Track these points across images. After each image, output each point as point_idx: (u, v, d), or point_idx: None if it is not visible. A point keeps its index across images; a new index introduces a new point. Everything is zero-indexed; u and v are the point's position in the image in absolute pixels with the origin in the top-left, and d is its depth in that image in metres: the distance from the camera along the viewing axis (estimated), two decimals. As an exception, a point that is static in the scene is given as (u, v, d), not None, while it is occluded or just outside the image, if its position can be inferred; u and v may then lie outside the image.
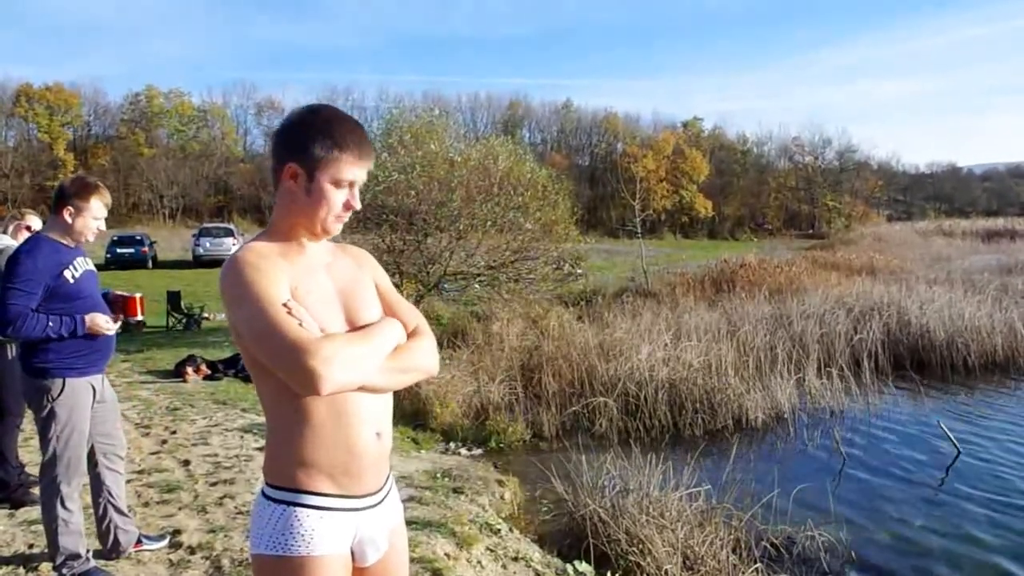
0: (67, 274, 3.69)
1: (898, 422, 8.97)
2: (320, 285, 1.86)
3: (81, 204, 3.74)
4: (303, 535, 1.76)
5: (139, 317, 3.85)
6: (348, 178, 1.85)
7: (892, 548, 5.60)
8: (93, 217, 3.75)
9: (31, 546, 4.31)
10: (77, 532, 3.79)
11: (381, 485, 1.93)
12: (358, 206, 1.89)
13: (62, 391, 3.70)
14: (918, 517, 6.14)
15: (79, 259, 3.80)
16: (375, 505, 1.90)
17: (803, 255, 27.49)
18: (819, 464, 7.52)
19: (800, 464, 7.54)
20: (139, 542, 4.17)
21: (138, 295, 3.85)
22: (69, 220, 3.74)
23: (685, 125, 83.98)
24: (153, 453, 6.41)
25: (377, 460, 1.88)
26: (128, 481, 5.46)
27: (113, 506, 4.05)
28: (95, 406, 3.89)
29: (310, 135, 1.84)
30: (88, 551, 3.88)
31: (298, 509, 1.78)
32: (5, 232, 5.17)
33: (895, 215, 75.57)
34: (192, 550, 4.33)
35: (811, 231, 69.47)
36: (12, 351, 4.86)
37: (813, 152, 79.41)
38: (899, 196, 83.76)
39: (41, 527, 3.91)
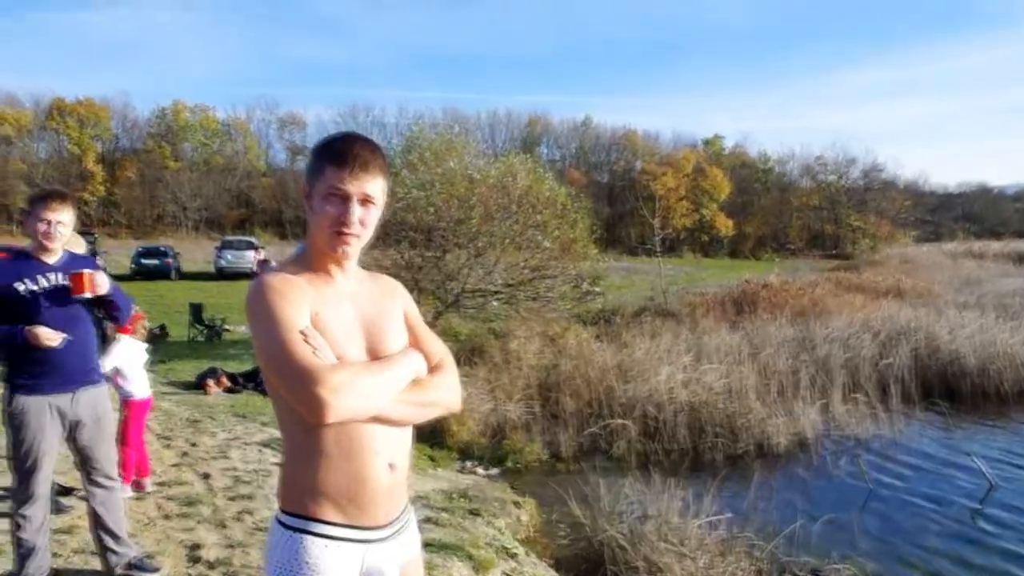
0: (19, 286, 3.63)
1: (927, 452, 8.79)
2: (343, 314, 1.85)
3: (31, 211, 3.73)
4: (309, 563, 1.76)
5: (85, 294, 3.64)
6: (338, 189, 1.79)
7: (919, 583, 5.48)
8: (38, 219, 3.66)
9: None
10: (32, 551, 3.73)
11: (394, 518, 1.90)
12: (351, 221, 1.80)
13: (10, 407, 3.67)
14: (948, 551, 6.00)
15: (50, 274, 3.70)
16: (385, 538, 1.87)
17: (827, 276, 27.23)
18: (844, 493, 7.39)
19: (824, 492, 7.44)
20: (131, 565, 4.05)
21: (87, 271, 3.66)
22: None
23: (706, 143, 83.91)
24: (174, 465, 6.45)
25: (389, 492, 1.86)
26: (149, 493, 5.51)
27: (101, 527, 3.98)
28: (75, 427, 3.80)
29: (313, 156, 1.87)
30: (45, 570, 3.82)
31: (306, 537, 1.77)
32: None
33: (923, 236, 74.33)
34: (211, 565, 4.34)
35: (835, 251, 68.64)
36: None
37: (837, 171, 78.73)
38: (927, 216, 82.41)
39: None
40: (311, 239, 1.89)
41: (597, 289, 15.85)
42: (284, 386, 1.70)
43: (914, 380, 11.13)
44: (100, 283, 3.71)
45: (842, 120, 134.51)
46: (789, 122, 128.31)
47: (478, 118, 76.57)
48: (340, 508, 1.79)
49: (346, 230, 1.81)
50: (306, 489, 1.79)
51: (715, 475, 6.84)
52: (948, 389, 11.34)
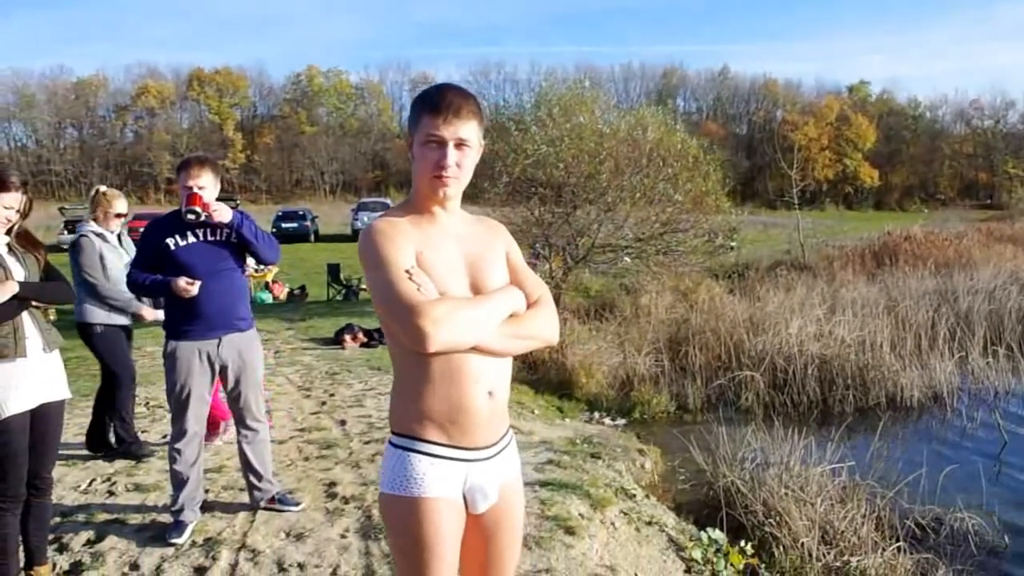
0: (169, 241, 4.00)
1: (1073, 407, 8.26)
2: (447, 252, 2.01)
3: (177, 177, 4.09)
4: (416, 478, 1.95)
5: (196, 208, 3.89)
6: (433, 134, 1.94)
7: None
8: (182, 185, 3.99)
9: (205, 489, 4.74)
10: (185, 483, 4.10)
11: (494, 441, 2.06)
12: (448, 164, 1.94)
13: (166, 350, 4.09)
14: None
15: (197, 231, 4.04)
16: (487, 459, 2.04)
17: (977, 227, 25.71)
18: (977, 446, 7.12)
19: (955, 445, 7.19)
20: (274, 500, 4.44)
21: (198, 192, 3.94)
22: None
23: (850, 90, 79.88)
24: (313, 413, 6.89)
25: (489, 417, 2.02)
26: (291, 438, 5.97)
27: (248, 466, 4.36)
28: (223, 371, 4.16)
29: (412, 108, 2.03)
30: (197, 502, 4.21)
31: (412, 455, 1.97)
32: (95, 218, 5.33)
33: (1090, 183, 68.53)
34: (346, 500, 4.69)
35: (989, 201, 64.42)
36: (99, 329, 5.25)
37: (994, 116, 73.63)
38: (1095, 163, 75.77)
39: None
40: (415, 185, 2.05)
41: (731, 243, 15.51)
42: (392, 320, 1.88)
43: (1064, 333, 10.48)
44: (217, 208, 3.97)
45: (1001, 59, 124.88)
46: (942, 63, 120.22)
47: (611, 72, 75.89)
48: (443, 430, 1.97)
49: (444, 173, 1.96)
50: (413, 413, 1.97)
51: (842, 426, 6.74)
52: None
